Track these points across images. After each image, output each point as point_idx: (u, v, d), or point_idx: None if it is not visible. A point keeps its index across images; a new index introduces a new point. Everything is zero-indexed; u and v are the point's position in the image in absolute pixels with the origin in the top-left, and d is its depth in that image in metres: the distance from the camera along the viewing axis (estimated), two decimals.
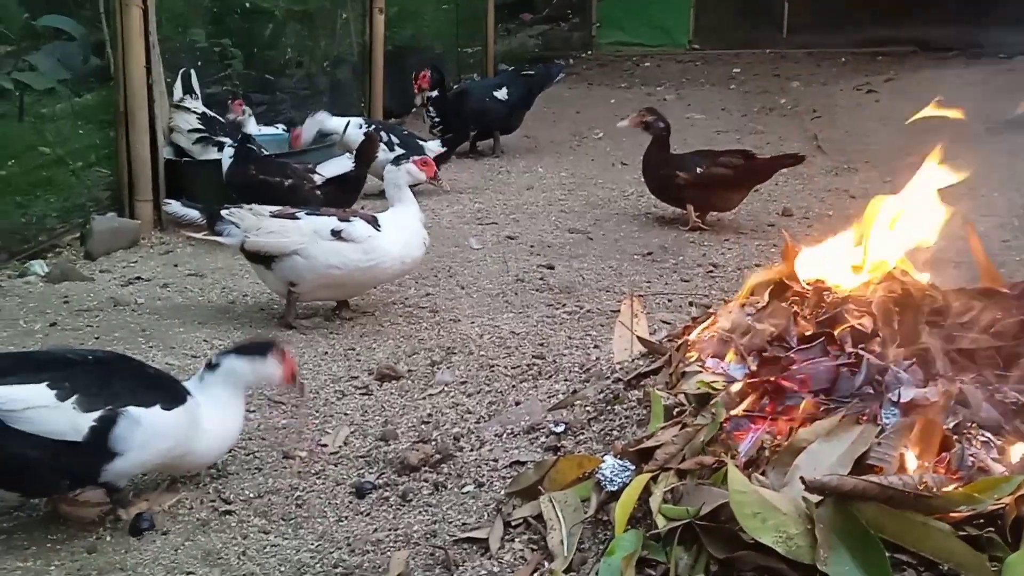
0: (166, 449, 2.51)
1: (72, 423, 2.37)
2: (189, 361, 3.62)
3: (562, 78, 8.49)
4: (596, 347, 3.62)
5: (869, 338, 2.33)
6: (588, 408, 2.66)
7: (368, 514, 2.55)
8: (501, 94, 7.36)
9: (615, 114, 8.88)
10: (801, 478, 1.82)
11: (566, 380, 3.21)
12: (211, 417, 2.59)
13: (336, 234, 3.83)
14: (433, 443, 2.83)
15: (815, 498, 1.82)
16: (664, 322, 3.73)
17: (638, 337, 2.91)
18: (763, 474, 1.97)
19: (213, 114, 5.89)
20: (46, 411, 2.35)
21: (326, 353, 3.71)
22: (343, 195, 5.06)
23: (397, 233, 3.92)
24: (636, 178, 5.96)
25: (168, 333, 3.90)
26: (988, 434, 2.07)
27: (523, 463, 2.53)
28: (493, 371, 3.48)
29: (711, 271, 4.66)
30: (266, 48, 8.21)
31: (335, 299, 4.12)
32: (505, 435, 2.78)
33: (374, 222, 3.90)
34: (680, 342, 2.59)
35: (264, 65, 7.97)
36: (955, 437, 2.03)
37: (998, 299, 2.45)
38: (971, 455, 1.99)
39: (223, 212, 3.94)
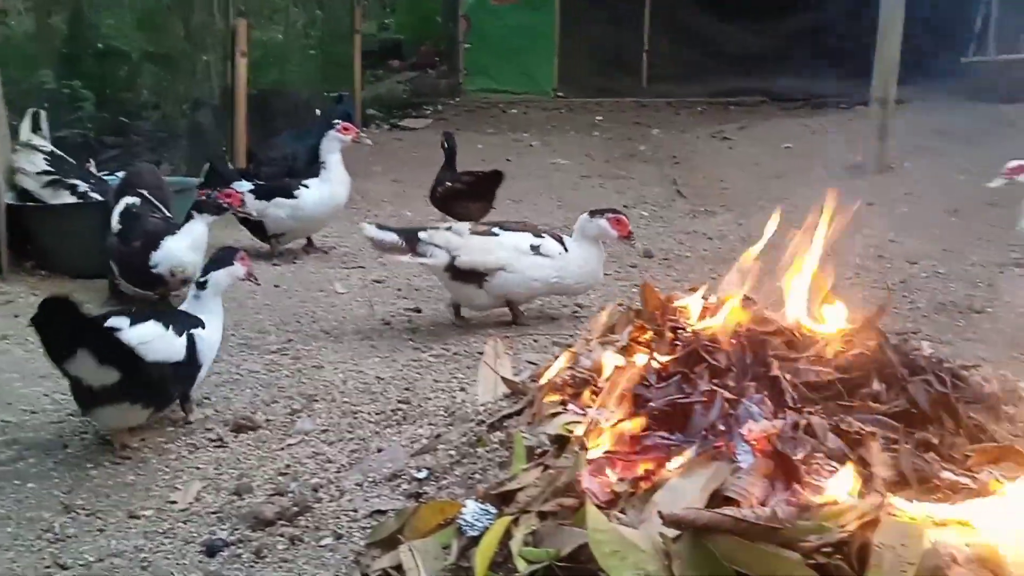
0: (212, 358, 3.31)
1: (176, 347, 3.08)
2: (27, 417, 3.39)
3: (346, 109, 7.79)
4: (462, 390, 3.58)
5: (724, 374, 2.39)
6: (451, 452, 2.60)
7: (219, 574, 2.41)
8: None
9: (482, 160, 8.99)
10: (658, 512, 1.82)
11: (431, 424, 3.16)
12: (213, 325, 3.31)
13: (535, 249, 4.10)
14: (290, 495, 2.71)
15: (672, 533, 1.82)
16: (530, 362, 3.72)
17: (501, 377, 2.89)
18: (623, 511, 1.97)
19: (62, 154, 5.61)
20: (161, 340, 3.04)
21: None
22: None
23: (583, 256, 4.23)
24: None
25: (5, 389, 3.64)
26: (835, 463, 2.14)
27: (384, 512, 2.45)
28: (356, 418, 3.39)
29: (576, 311, 4.71)
30: (121, 90, 7.93)
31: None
32: (366, 484, 2.69)
33: (561, 241, 4.19)
34: (541, 382, 2.58)
35: (118, 107, 7.68)
36: (804, 468, 2.08)
37: (843, 333, 2.56)
38: (819, 484, 2.05)
39: (421, 234, 4.19)
